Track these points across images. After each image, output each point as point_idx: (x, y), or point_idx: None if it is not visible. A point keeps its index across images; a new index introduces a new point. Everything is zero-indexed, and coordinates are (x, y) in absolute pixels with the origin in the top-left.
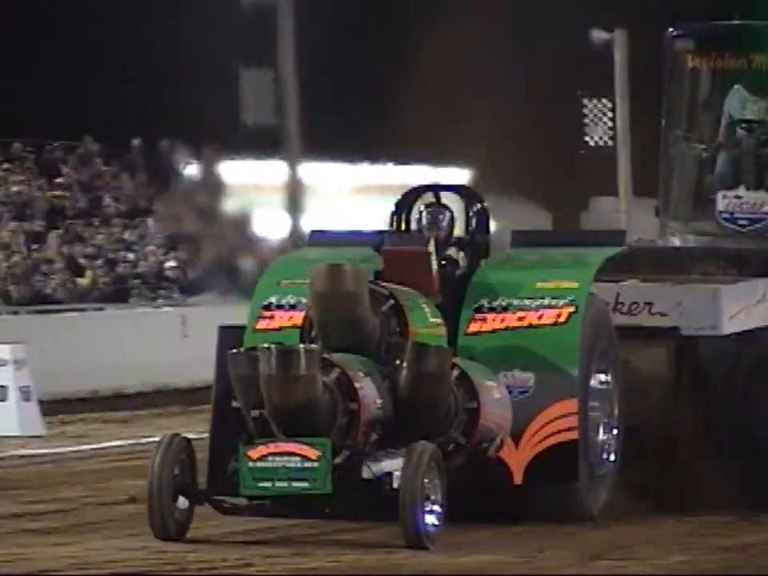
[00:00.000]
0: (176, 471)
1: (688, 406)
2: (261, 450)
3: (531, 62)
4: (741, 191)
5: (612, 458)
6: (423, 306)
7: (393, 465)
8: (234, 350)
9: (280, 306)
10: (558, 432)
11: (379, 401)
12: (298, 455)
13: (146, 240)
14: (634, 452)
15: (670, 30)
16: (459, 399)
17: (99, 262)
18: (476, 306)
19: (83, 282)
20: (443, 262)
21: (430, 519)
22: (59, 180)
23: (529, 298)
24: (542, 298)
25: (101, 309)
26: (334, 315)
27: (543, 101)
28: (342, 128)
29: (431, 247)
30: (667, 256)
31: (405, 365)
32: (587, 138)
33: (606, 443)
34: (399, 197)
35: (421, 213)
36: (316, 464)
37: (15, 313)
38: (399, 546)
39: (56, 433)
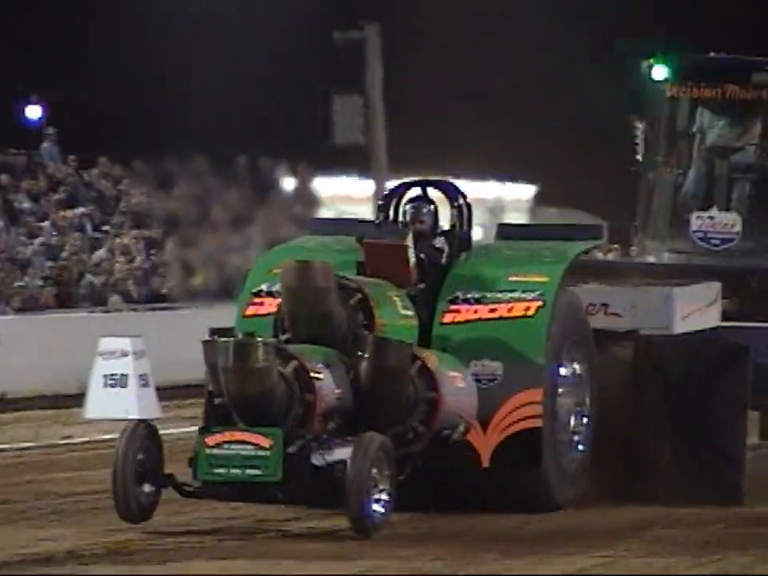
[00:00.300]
0: (140, 457)
1: (648, 401)
2: (217, 438)
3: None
4: (713, 212)
5: (581, 447)
6: (395, 298)
7: (345, 453)
8: (207, 339)
9: (270, 293)
10: (524, 419)
11: (338, 391)
12: (252, 444)
13: (249, 245)
14: (599, 445)
15: (649, 60)
16: (419, 390)
17: (209, 264)
18: (451, 297)
19: (195, 282)
20: (422, 255)
21: (377, 508)
22: (175, 192)
23: (501, 291)
24: (514, 291)
25: (210, 306)
26: (303, 309)
27: (600, 122)
28: (421, 146)
29: (409, 240)
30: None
31: (365, 357)
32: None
33: (577, 432)
34: (387, 191)
35: (406, 206)
36: (268, 453)
37: (135, 310)
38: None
39: (171, 415)
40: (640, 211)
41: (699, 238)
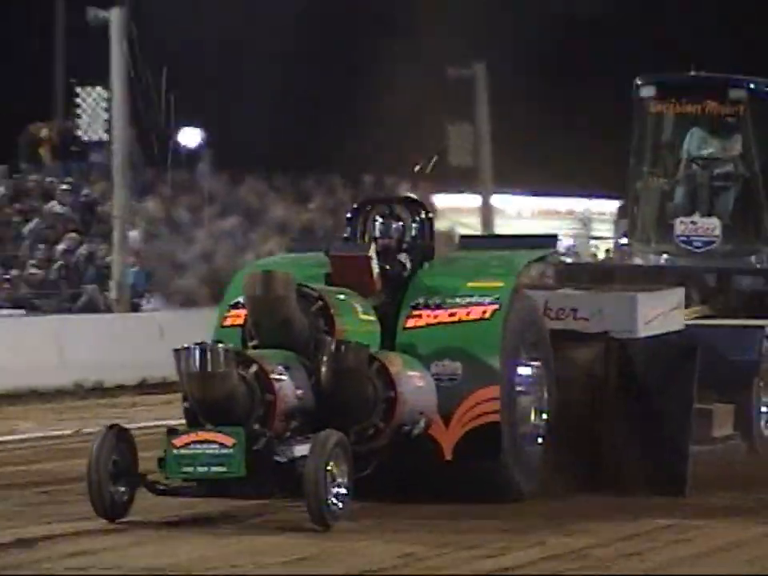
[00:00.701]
0: (115, 457)
1: (611, 398)
2: (183, 439)
3: None
4: (695, 218)
5: (540, 440)
6: (355, 306)
7: (306, 450)
8: (180, 347)
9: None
10: (483, 414)
11: (299, 392)
12: (216, 443)
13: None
14: (566, 437)
15: (636, 79)
16: (379, 389)
17: None
18: (414, 303)
19: None
20: (387, 267)
21: (335, 500)
22: (311, 205)
23: (460, 296)
24: (471, 296)
25: None
26: (265, 317)
27: None
28: (520, 166)
29: (371, 252)
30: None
31: (325, 360)
32: None
33: (537, 427)
34: (353, 208)
35: (374, 222)
36: (232, 450)
37: None
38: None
39: None
40: (629, 216)
41: (682, 242)
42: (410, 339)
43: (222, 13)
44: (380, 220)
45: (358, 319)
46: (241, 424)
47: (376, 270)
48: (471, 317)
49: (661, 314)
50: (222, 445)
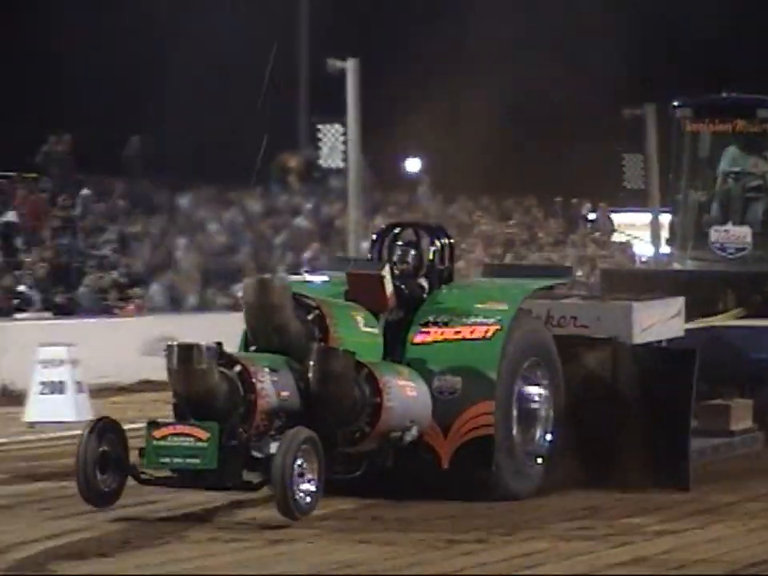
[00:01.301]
0: (104, 448)
1: (618, 398)
2: (163, 431)
3: None
4: (729, 227)
5: (540, 460)
6: (357, 318)
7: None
8: (168, 344)
9: None
10: (479, 427)
11: (285, 393)
12: (192, 436)
13: (565, 260)
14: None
15: (674, 101)
16: (366, 395)
17: None
18: (424, 321)
19: None
20: (403, 287)
21: (303, 494)
22: (511, 222)
23: (467, 316)
24: (477, 316)
25: None
26: (261, 322)
27: None
28: None
29: (385, 272)
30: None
31: (312, 364)
32: None
33: (541, 443)
34: (378, 231)
35: (394, 247)
36: (205, 444)
37: None
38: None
39: None
40: (669, 226)
41: (717, 248)
42: (417, 354)
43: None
44: (399, 245)
45: (357, 330)
46: (221, 420)
47: (390, 288)
48: (474, 335)
49: (658, 321)
50: (197, 438)
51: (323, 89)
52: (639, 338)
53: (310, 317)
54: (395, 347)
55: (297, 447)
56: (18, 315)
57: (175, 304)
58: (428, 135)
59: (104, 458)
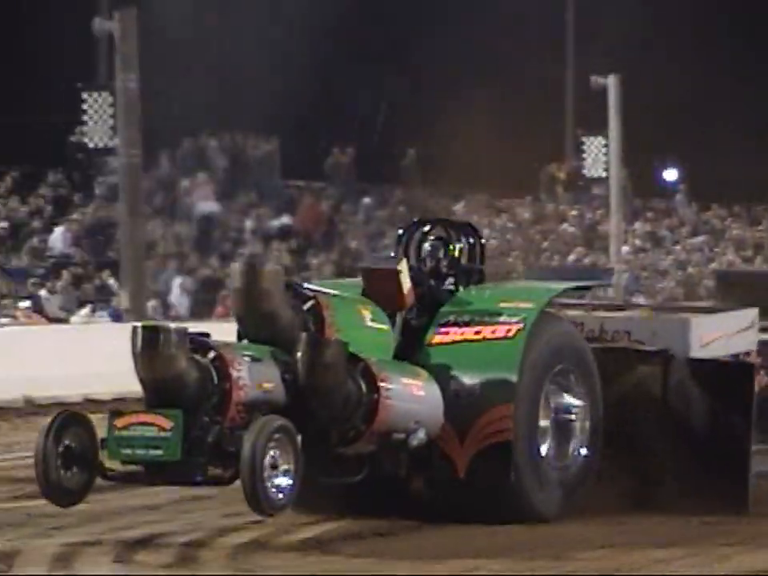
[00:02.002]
0: (67, 442)
1: (671, 416)
2: (124, 420)
3: None
4: None
5: (574, 470)
6: (362, 311)
7: None
8: (133, 326)
9: None
10: (497, 432)
11: (268, 385)
12: (155, 425)
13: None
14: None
15: None
16: (363, 390)
17: None
18: (444, 321)
19: None
20: (425, 286)
21: (276, 489)
22: (760, 227)
23: (489, 315)
24: (500, 315)
25: None
26: (249, 309)
27: None
28: None
29: (401, 266)
30: None
31: (300, 354)
32: None
33: (572, 461)
34: (404, 228)
35: (425, 244)
36: (169, 434)
37: None
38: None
39: None
40: None
41: None
42: (434, 354)
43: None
44: (429, 241)
45: (361, 325)
46: (189, 409)
47: (407, 284)
48: (495, 335)
49: (723, 335)
50: (160, 428)
51: (588, 103)
52: (699, 353)
53: (305, 306)
54: (414, 348)
55: (267, 437)
56: None
57: None
58: (684, 146)
59: (68, 454)
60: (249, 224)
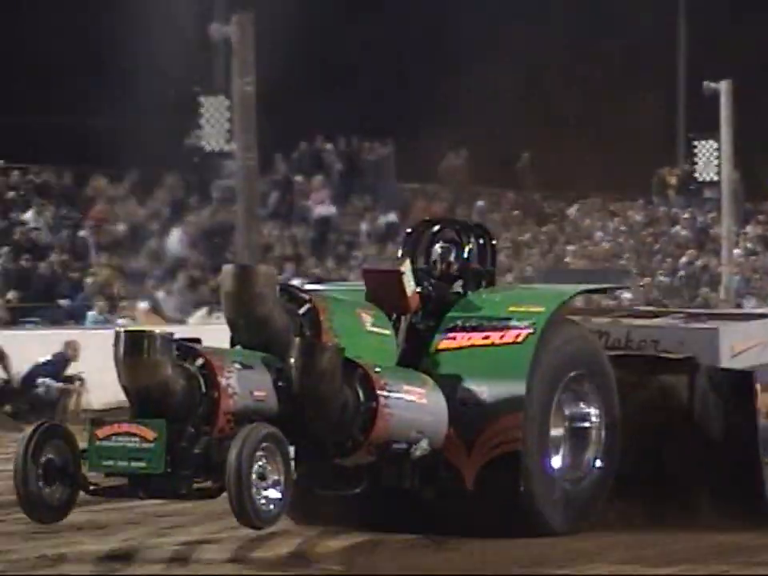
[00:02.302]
0: (49, 456)
1: (692, 425)
2: (106, 430)
3: None
4: None
5: (588, 482)
6: (362, 315)
7: None
8: (116, 331)
9: None
10: (505, 442)
11: (259, 393)
12: (138, 436)
13: None
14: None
15: None
16: (360, 398)
17: None
18: (451, 325)
19: None
20: (431, 288)
21: (266, 501)
22: None
23: (498, 319)
24: (509, 320)
25: None
26: (241, 314)
27: None
28: None
29: (404, 267)
30: None
31: (293, 360)
32: None
33: (587, 471)
34: (412, 227)
35: (435, 246)
36: (152, 445)
37: None
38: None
39: None
40: None
41: None
42: (440, 360)
43: None
44: (440, 244)
45: (361, 330)
46: (175, 419)
47: (411, 287)
48: (504, 340)
49: (756, 345)
50: (143, 438)
51: (700, 107)
52: (729, 363)
53: (301, 311)
54: (419, 353)
55: (254, 446)
56: None
57: None
58: None
59: (48, 467)
60: (364, 226)
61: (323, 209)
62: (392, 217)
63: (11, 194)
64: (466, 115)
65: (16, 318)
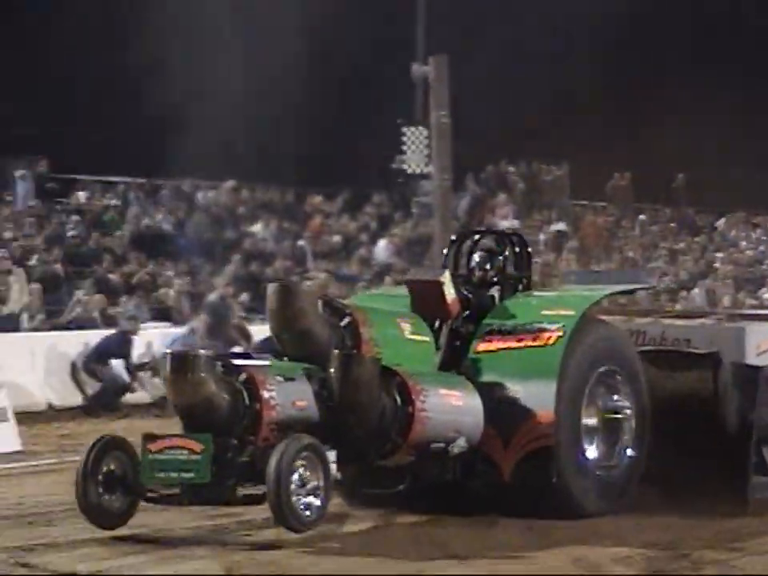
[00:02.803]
0: (111, 467)
1: (715, 419)
2: (159, 444)
3: None
4: None
5: (620, 470)
6: (402, 324)
7: None
8: (164, 352)
9: None
10: (539, 438)
11: (301, 403)
12: (186, 449)
13: None
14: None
15: None
16: (398, 404)
17: None
18: (488, 329)
19: None
20: (470, 295)
21: (304, 507)
22: None
23: (531, 323)
24: (541, 323)
25: None
26: (285, 328)
27: None
28: None
29: (444, 278)
30: None
31: (333, 372)
32: None
33: (617, 461)
34: (453, 238)
35: (475, 254)
36: (199, 457)
37: None
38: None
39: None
40: None
41: None
42: (479, 363)
43: None
44: (479, 252)
45: (400, 338)
46: (222, 431)
47: (451, 295)
48: (536, 343)
49: None
50: (192, 451)
51: None
52: (755, 361)
53: (342, 323)
54: (460, 356)
55: (293, 456)
56: None
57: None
58: None
59: (109, 477)
60: (542, 237)
61: (507, 222)
62: (561, 225)
63: (242, 209)
64: (630, 141)
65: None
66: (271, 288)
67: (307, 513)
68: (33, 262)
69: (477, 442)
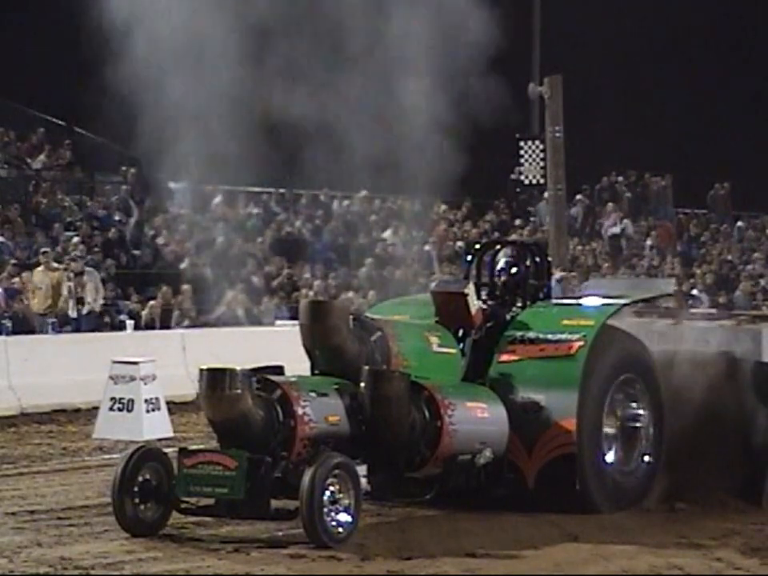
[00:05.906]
0: (147, 476)
1: (731, 418)
2: (193, 459)
3: None
4: None
5: (638, 476)
6: (430, 338)
7: None
8: (200, 369)
9: None
10: (561, 445)
11: (334, 418)
12: (221, 465)
13: None
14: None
15: None
16: (426, 418)
17: None
18: (510, 339)
19: None
20: (492, 305)
21: (336, 524)
22: None
23: (552, 333)
24: (562, 333)
25: None
26: (317, 344)
27: None
28: None
29: (468, 289)
30: None
31: (364, 387)
32: None
33: (637, 466)
34: (474, 249)
35: (497, 263)
36: (234, 473)
37: None
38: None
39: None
40: None
41: None
42: (502, 372)
43: None
44: (501, 262)
45: (428, 352)
46: (256, 446)
47: (475, 305)
48: (558, 352)
49: None
50: (226, 467)
51: None
52: None
53: (372, 338)
54: (483, 366)
55: (326, 473)
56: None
57: None
58: None
59: (144, 487)
60: (648, 242)
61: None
62: (617, 228)
63: (373, 217)
64: (729, 154)
65: None
66: (304, 304)
67: (339, 529)
68: (184, 264)
69: (502, 452)
